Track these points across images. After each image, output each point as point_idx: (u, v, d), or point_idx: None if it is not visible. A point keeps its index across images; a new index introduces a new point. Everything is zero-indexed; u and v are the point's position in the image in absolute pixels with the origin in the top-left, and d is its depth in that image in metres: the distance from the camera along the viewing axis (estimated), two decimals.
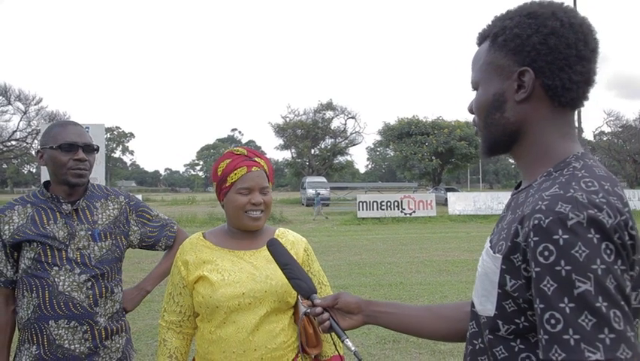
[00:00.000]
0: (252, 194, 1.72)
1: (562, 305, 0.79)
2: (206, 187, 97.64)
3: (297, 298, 1.75)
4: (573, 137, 1.00)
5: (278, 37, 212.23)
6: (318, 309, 1.32)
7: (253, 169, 1.73)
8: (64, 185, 1.95)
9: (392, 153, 46.03)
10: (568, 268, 0.79)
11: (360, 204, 20.11)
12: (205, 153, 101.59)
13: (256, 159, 1.77)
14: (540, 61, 0.95)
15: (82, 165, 1.93)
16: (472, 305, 1.05)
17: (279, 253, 1.47)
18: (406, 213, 20.02)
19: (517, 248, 0.89)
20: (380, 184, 40.85)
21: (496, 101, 1.02)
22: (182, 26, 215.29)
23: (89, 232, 1.95)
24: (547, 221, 0.83)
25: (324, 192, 29.90)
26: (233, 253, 1.75)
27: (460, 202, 21.09)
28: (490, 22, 1.06)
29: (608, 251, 0.80)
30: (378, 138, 44.64)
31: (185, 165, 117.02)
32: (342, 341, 1.29)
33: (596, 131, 57.71)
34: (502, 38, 1.00)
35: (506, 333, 0.92)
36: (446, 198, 22.64)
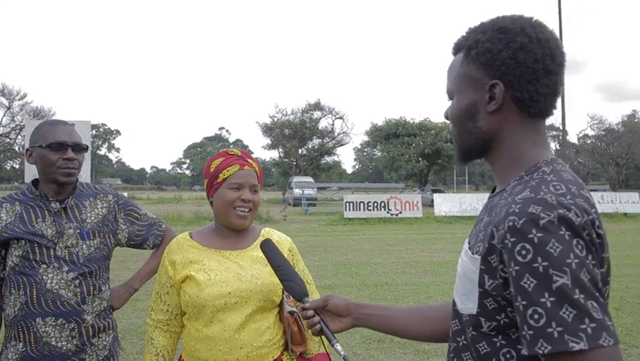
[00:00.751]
0: (243, 190, 1.75)
1: (543, 300, 0.82)
2: (193, 186, 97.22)
3: (282, 297, 1.78)
4: (543, 144, 1.06)
5: (267, 36, 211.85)
6: (310, 312, 1.35)
7: (245, 168, 1.78)
8: (53, 183, 1.96)
9: (379, 154, 46.24)
10: (545, 263, 0.83)
11: (347, 204, 20.16)
12: (192, 151, 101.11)
13: (249, 160, 1.82)
14: (509, 75, 1.00)
15: (71, 165, 1.94)
16: (454, 304, 1.08)
17: (273, 255, 1.50)
18: (392, 214, 20.12)
19: (494, 250, 0.93)
20: (367, 185, 40.98)
21: (469, 111, 1.07)
22: (171, 24, 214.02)
23: (78, 231, 1.96)
24: (520, 222, 0.87)
25: (311, 192, 29.93)
26: (219, 253, 1.78)
27: (446, 203, 21.24)
28: (464, 34, 1.10)
29: (580, 247, 0.84)
30: (366, 138, 44.88)
31: (171, 163, 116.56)
32: (332, 345, 1.32)
33: (580, 134, 58.47)
34: (474, 52, 1.04)
35: (488, 330, 0.96)
36: (432, 200, 22.79)
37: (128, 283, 2.20)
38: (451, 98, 1.13)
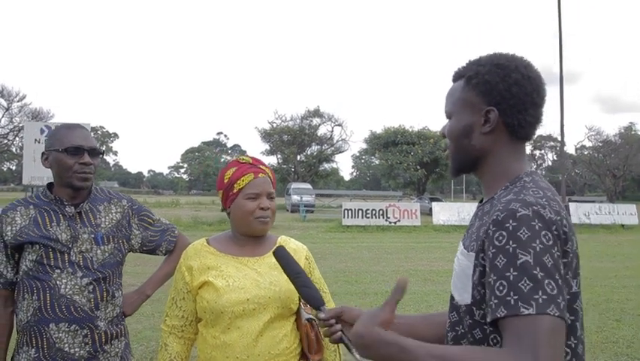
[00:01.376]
0: (260, 199, 1.75)
1: (507, 274, 0.99)
2: (190, 190, 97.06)
3: (300, 305, 1.78)
4: (524, 161, 1.25)
5: (267, 42, 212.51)
6: (332, 320, 1.37)
7: (260, 175, 1.77)
8: (69, 188, 1.95)
9: (377, 162, 46.24)
10: (514, 245, 1.00)
11: (346, 211, 20.15)
12: (190, 155, 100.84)
13: (261, 166, 1.82)
14: (504, 104, 1.19)
15: (87, 169, 1.94)
16: (452, 299, 1.23)
17: (288, 262, 1.50)
18: (390, 222, 20.10)
19: (483, 244, 1.09)
20: (365, 192, 41.02)
21: (465, 131, 1.25)
22: (170, 28, 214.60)
23: (92, 235, 1.95)
24: (502, 215, 1.05)
25: (309, 198, 29.91)
26: (237, 259, 1.77)
27: (445, 212, 21.24)
28: (465, 65, 1.28)
29: (547, 237, 1.01)
30: (364, 146, 44.90)
31: (169, 168, 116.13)
32: (351, 352, 1.32)
33: (578, 145, 58.67)
34: (475, 81, 1.22)
35: (479, 317, 1.11)
36: (430, 208, 22.79)
37: (141, 289, 2.19)
38: (449, 117, 1.30)
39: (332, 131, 45.51)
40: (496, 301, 0.99)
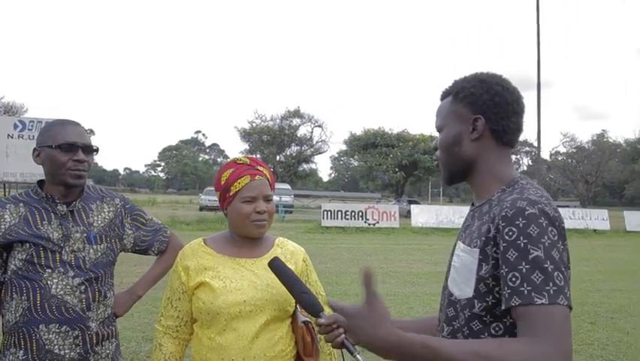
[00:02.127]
0: (257, 202, 1.74)
1: (520, 267, 1.09)
2: (167, 189, 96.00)
3: (296, 307, 1.78)
4: (512, 166, 1.37)
5: (247, 41, 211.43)
6: (333, 326, 1.39)
7: (256, 178, 1.75)
8: (61, 185, 1.91)
9: (356, 163, 46.41)
10: (525, 241, 1.10)
11: (325, 212, 20.17)
12: (167, 153, 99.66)
13: (259, 167, 1.79)
14: (489, 112, 1.31)
15: (81, 166, 1.89)
16: (450, 295, 1.30)
17: (285, 272, 1.53)
18: (369, 224, 20.19)
19: (489, 240, 1.19)
20: (344, 194, 41.13)
21: (455, 139, 1.36)
22: (149, 24, 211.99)
23: (85, 235, 1.91)
24: (511, 213, 1.15)
25: (288, 199, 29.88)
26: (234, 260, 1.76)
27: (423, 215, 21.44)
28: (451, 84, 1.42)
29: (553, 233, 1.12)
30: (344, 147, 45.04)
31: (146, 166, 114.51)
32: (354, 356, 1.33)
33: (553, 151, 59.85)
34: (462, 94, 1.35)
35: (479, 310, 1.20)
36: (409, 210, 22.95)
37: (132, 290, 2.16)
38: (440, 131, 1.41)
39: (312, 132, 45.59)
40: (509, 291, 1.09)
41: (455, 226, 20.74)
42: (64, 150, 1.87)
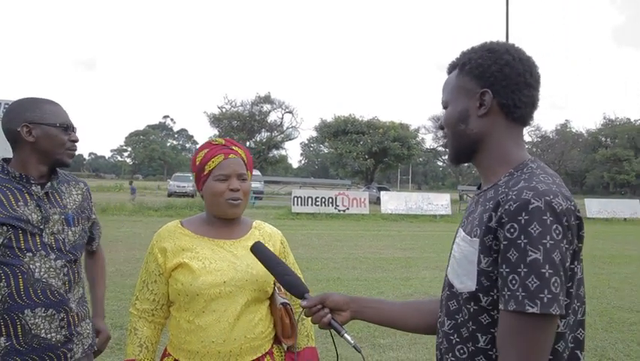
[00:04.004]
0: (230, 180, 1.73)
1: (519, 270, 1.01)
2: (134, 174, 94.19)
3: (274, 289, 1.78)
4: (523, 146, 1.25)
5: (217, 24, 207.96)
6: (318, 306, 1.39)
7: (230, 156, 1.74)
8: (47, 165, 1.86)
9: (326, 150, 46.47)
10: (525, 241, 1.01)
11: (295, 199, 20.18)
12: (134, 138, 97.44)
13: (234, 147, 1.78)
14: (497, 85, 1.19)
15: (75, 147, 1.91)
16: (451, 287, 1.21)
17: (268, 255, 1.52)
18: (339, 210, 20.31)
19: (490, 230, 1.09)
20: (314, 180, 41.08)
21: (462, 116, 1.25)
22: (115, 4, 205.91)
23: (63, 216, 1.87)
24: (514, 205, 1.05)
25: (258, 185, 29.71)
26: (213, 241, 1.75)
27: (393, 201, 21.66)
28: (458, 56, 1.30)
29: (557, 231, 1.02)
30: (314, 133, 44.95)
31: (111, 151, 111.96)
32: (342, 335, 1.34)
33: None
34: (468, 67, 1.24)
35: (486, 304, 1.11)
36: (378, 197, 23.15)
37: (99, 324, 2.15)
38: (445, 107, 1.31)
39: (282, 118, 45.37)
40: (508, 293, 1.02)
41: (424, 213, 21.07)
42: (65, 129, 1.87)
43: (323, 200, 20.33)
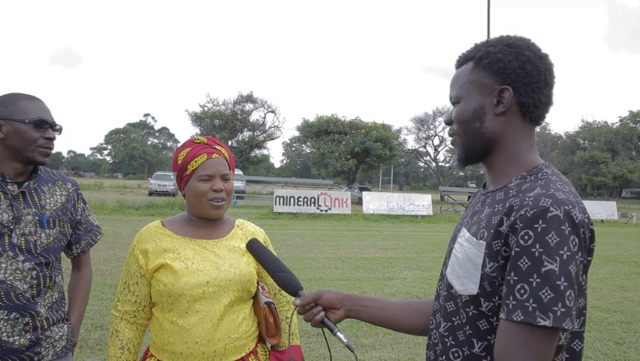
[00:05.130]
0: (213, 181, 1.70)
1: (531, 280, 0.96)
2: (114, 173, 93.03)
3: (258, 288, 1.77)
4: (536, 149, 1.20)
5: (200, 22, 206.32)
6: (312, 304, 1.36)
7: (213, 156, 1.72)
8: (23, 163, 1.80)
9: (308, 150, 46.42)
10: (541, 250, 0.96)
11: (277, 198, 20.12)
12: (114, 137, 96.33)
13: (216, 146, 1.76)
14: (518, 82, 1.14)
15: (51, 144, 1.82)
16: (450, 288, 1.17)
17: (264, 252, 1.50)
18: (321, 210, 20.31)
19: (499, 235, 1.04)
20: (296, 180, 41.04)
21: (476, 113, 1.18)
22: (97, 2, 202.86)
23: (37, 218, 1.80)
24: (531, 212, 1.00)
25: (239, 184, 29.55)
26: (195, 241, 1.73)
27: (375, 202, 21.75)
28: (472, 48, 1.23)
29: (574, 243, 0.97)
30: (296, 133, 44.86)
31: (91, 149, 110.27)
32: (335, 334, 1.32)
33: None
34: (486, 61, 1.16)
35: (486, 310, 1.07)
36: (360, 197, 23.19)
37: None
38: (456, 103, 1.23)
39: (265, 117, 45.18)
40: (514, 302, 0.97)
41: (405, 213, 21.18)
42: (37, 126, 1.78)
43: (305, 200, 20.31)
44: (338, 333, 1.33)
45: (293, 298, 1.42)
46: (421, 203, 22.04)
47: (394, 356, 4.61)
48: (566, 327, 0.94)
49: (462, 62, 1.24)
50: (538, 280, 0.95)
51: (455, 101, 1.23)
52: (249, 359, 1.71)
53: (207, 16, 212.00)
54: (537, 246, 0.96)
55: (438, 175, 60.13)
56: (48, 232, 1.83)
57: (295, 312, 1.41)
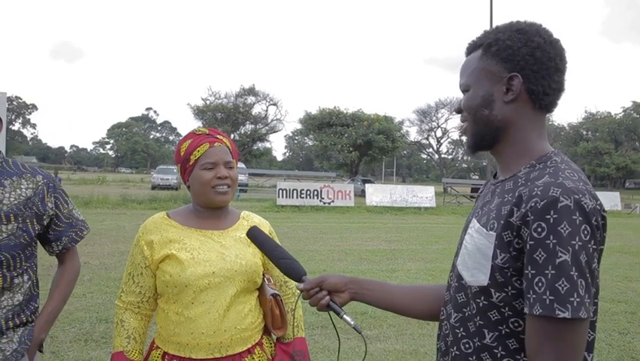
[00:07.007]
0: (217, 168, 1.70)
1: (547, 272, 0.96)
2: (117, 167, 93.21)
3: (263, 280, 1.76)
4: (546, 137, 1.19)
5: (202, 16, 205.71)
6: (316, 288, 1.35)
7: (216, 144, 1.72)
8: None
9: (311, 143, 46.40)
10: (554, 241, 0.96)
11: (280, 191, 20.12)
12: (116, 131, 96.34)
13: (218, 136, 1.76)
14: (527, 69, 1.12)
15: None
16: (460, 278, 1.17)
17: (265, 239, 1.48)
18: (325, 203, 20.31)
19: (510, 226, 1.04)
20: (299, 173, 41.03)
21: (485, 101, 1.17)
22: None
23: None
24: (542, 203, 0.99)
25: (242, 178, 29.58)
26: (200, 232, 1.72)
27: (378, 194, 21.74)
28: (480, 35, 1.21)
29: (586, 232, 0.97)
30: (299, 126, 44.84)
31: (94, 143, 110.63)
32: (341, 317, 1.31)
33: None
34: (495, 48, 1.15)
35: (497, 300, 1.07)
36: (363, 190, 23.18)
37: (35, 338, 1.79)
38: (465, 91, 1.22)
39: (267, 110, 45.17)
40: (534, 296, 0.97)
41: (408, 205, 21.18)
42: None
43: (308, 192, 20.30)
44: (345, 316, 1.32)
45: (296, 284, 1.41)
46: (424, 195, 22.02)
47: (399, 348, 4.62)
48: (583, 316, 0.94)
49: (471, 49, 1.23)
50: (553, 271, 0.95)
51: (464, 89, 1.22)
52: (255, 350, 1.70)
53: (209, 9, 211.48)
54: (551, 237, 0.96)
55: (441, 167, 60.11)
56: (1, 227, 1.67)
57: (299, 301, 1.39)
